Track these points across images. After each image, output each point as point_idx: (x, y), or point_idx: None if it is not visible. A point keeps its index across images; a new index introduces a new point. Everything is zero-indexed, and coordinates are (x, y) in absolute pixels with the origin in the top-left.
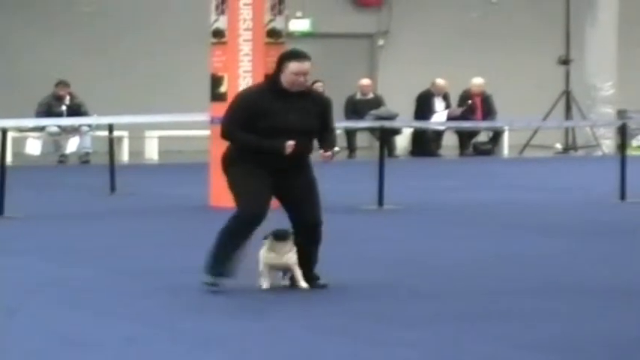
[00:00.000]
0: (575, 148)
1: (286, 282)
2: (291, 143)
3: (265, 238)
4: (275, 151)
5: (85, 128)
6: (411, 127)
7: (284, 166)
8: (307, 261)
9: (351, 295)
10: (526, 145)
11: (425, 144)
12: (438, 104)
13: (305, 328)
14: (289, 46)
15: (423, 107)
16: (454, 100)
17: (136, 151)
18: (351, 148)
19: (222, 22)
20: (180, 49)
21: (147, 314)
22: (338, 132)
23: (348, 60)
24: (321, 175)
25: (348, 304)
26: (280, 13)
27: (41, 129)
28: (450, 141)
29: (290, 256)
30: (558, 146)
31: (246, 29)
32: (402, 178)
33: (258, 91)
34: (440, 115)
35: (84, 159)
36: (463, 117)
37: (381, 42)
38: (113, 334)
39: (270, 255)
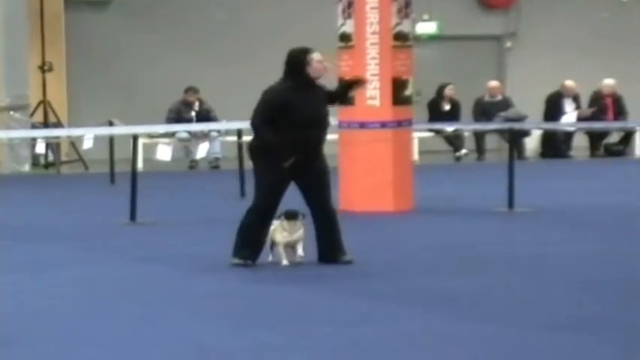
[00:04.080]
0: None
1: (299, 258)
2: (288, 163)
3: (278, 218)
4: (280, 157)
5: (214, 134)
6: (540, 128)
7: (301, 158)
8: (327, 242)
9: (488, 299)
10: None
11: (555, 145)
12: (568, 106)
13: (437, 334)
14: (416, 49)
15: (553, 109)
16: (584, 101)
17: None
18: (480, 150)
19: (349, 26)
20: None
21: (282, 322)
22: (466, 134)
23: (476, 62)
24: (451, 178)
25: (480, 307)
26: (407, 16)
27: (171, 135)
28: (580, 142)
29: (300, 232)
30: None
31: (373, 33)
32: (532, 180)
33: (281, 87)
34: (570, 117)
35: (214, 164)
36: (594, 118)
37: (509, 44)
38: (247, 343)
39: (283, 234)
